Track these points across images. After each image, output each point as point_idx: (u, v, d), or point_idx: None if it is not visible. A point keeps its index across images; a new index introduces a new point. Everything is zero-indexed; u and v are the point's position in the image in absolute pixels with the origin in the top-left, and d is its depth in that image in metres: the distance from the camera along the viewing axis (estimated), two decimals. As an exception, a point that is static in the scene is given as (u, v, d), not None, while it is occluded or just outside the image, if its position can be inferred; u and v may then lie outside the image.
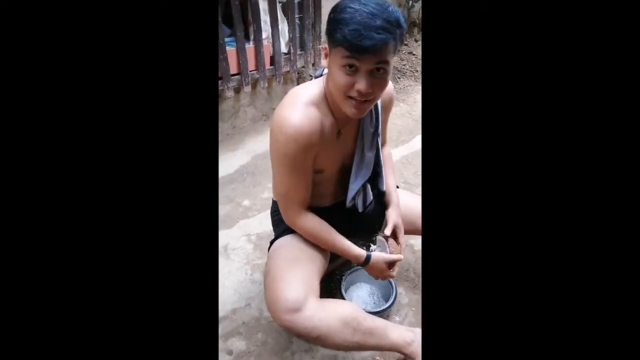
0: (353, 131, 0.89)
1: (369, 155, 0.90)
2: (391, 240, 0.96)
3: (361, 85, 0.69)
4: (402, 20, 0.67)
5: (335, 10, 0.69)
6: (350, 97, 0.72)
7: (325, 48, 0.73)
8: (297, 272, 0.84)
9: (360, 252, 0.92)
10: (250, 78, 2.08)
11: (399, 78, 2.92)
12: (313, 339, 0.80)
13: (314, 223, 0.89)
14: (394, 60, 0.74)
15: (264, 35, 2.01)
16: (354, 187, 0.92)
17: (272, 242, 0.99)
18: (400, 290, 1.24)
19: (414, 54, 3.08)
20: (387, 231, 0.95)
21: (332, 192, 0.98)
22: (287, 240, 0.95)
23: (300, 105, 0.77)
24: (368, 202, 0.96)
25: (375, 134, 0.90)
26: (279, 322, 0.79)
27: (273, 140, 0.79)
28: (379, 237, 0.97)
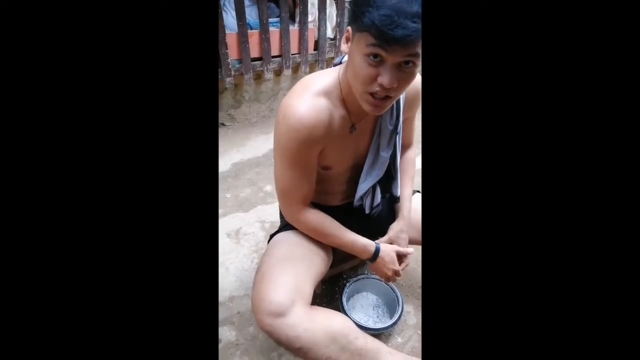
0: (369, 127, 0.79)
1: (384, 156, 0.80)
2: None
3: (385, 78, 0.59)
4: None
5: None
6: (370, 93, 0.63)
7: (348, 31, 0.64)
8: (288, 274, 0.77)
9: (368, 242, 0.84)
10: (291, 61, 2.02)
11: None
12: (295, 350, 0.73)
13: (316, 217, 0.82)
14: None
15: (309, 18, 1.93)
16: (363, 187, 0.84)
17: (272, 236, 0.93)
18: (409, 308, 1.13)
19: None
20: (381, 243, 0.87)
21: (342, 191, 0.89)
22: (286, 236, 0.88)
23: (309, 95, 0.69)
24: (375, 204, 0.87)
25: (394, 132, 0.79)
26: (260, 325, 0.73)
27: (276, 130, 0.73)
28: None
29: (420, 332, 1.08)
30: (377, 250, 0.84)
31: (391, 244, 0.89)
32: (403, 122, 0.83)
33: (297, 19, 1.94)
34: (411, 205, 0.92)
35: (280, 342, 0.73)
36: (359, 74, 0.62)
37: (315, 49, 2.10)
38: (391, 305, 1.10)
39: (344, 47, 0.66)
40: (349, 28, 0.63)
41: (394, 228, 0.89)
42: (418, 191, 1.01)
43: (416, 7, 0.53)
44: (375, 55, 0.58)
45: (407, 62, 0.59)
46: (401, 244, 0.89)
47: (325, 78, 0.72)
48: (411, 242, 0.94)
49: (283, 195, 0.80)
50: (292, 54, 2.00)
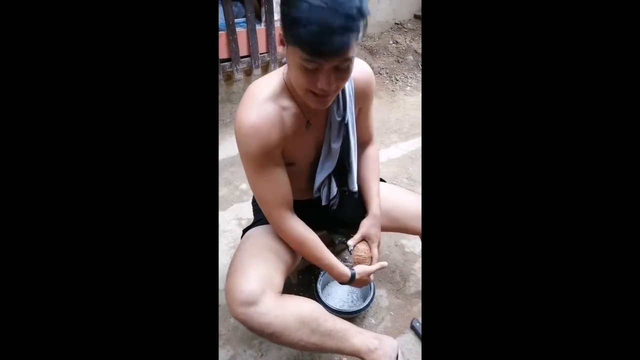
0: (323, 121, 0.83)
1: (335, 147, 0.85)
2: (361, 246, 0.93)
3: (323, 84, 0.64)
4: (364, 6, 0.59)
5: (286, 2, 0.59)
6: (312, 92, 0.67)
7: (280, 34, 0.66)
8: (259, 265, 0.81)
9: (345, 270, 0.89)
10: (260, 61, 2.04)
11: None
12: (267, 335, 0.78)
13: (300, 231, 0.85)
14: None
15: (275, 17, 1.95)
16: (318, 178, 0.88)
17: (244, 231, 0.97)
18: (382, 292, 1.20)
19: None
20: (351, 242, 0.92)
21: (307, 186, 0.93)
22: (258, 231, 0.93)
23: (255, 105, 0.73)
24: (332, 197, 0.91)
25: (342, 123, 0.84)
26: (234, 314, 0.77)
27: (236, 142, 0.77)
28: (347, 253, 0.94)
29: (392, 314, 1.15)
30: (353, 277, 0.90)
31: (364, 240, 0.94)
32: (357, 115, 0.87)
33: (264, 18, 1.96)
34: (380, 200, 0.96)
35: (253, 329, 0.77)
36: (298, 83, 0.67)
37: (283, 47, 2.13)
38: (364, 291, 1.16)
39: (280, 49, 0.70)
40: (281, 32, 0.65)
41: (365, 224, 0.94)
42: (382, 180, 1.07)
43: (340, 20, 0.56)
44: (311, 65, 0.62)
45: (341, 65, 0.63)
46: (373, 239, 0.95)
47: (269, 83, 0.76)
48: (382, 229, 0.99)
49: (263, 203, 0.83)
50: (260, 54, 2.03)
